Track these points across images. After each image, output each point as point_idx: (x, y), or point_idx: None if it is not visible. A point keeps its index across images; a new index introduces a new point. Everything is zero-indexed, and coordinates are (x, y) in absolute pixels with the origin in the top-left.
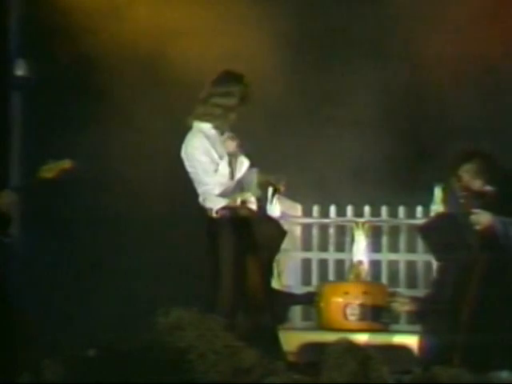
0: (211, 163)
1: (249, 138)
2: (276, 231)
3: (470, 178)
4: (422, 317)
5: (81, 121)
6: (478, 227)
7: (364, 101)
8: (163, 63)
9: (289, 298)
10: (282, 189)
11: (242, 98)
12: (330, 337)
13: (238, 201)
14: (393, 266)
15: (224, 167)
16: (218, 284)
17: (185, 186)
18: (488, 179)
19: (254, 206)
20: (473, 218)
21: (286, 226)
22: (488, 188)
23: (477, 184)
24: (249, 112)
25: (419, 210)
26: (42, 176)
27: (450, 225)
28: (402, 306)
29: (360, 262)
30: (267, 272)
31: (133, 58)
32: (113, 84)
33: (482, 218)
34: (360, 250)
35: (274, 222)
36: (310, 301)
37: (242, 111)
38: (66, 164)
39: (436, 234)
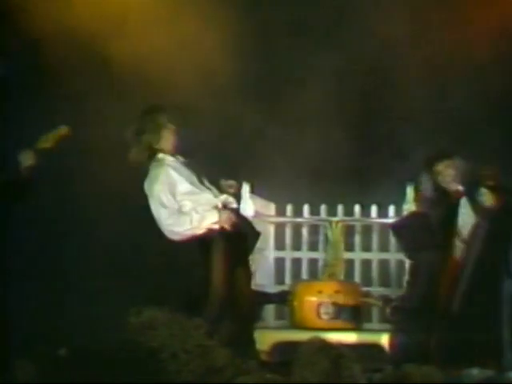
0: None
1: (217, 139)
2: (250, 232)
3: (448, 173)
4: (393, 316)
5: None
6: (488, 204)
7: (334, 99)
8: (114, 51)
9: (262, 297)
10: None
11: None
12: (302, 336)
13: (219, 205)
14: (366, 264)
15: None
16: (208, 292)
17: None
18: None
19: (234, 204)
20: (483, 195)
21: (259, 225)
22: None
23: (453, 182)
24: (214, 112)
25: (391, 208)
26: (40, 146)
27: (422, 224)
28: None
29: (334, 261)
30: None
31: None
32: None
33: (489, 196)
34: (333, 249)
35: (248, 223)
36: (283, 300)
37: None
38: (63, 130)
39: (408, 233)
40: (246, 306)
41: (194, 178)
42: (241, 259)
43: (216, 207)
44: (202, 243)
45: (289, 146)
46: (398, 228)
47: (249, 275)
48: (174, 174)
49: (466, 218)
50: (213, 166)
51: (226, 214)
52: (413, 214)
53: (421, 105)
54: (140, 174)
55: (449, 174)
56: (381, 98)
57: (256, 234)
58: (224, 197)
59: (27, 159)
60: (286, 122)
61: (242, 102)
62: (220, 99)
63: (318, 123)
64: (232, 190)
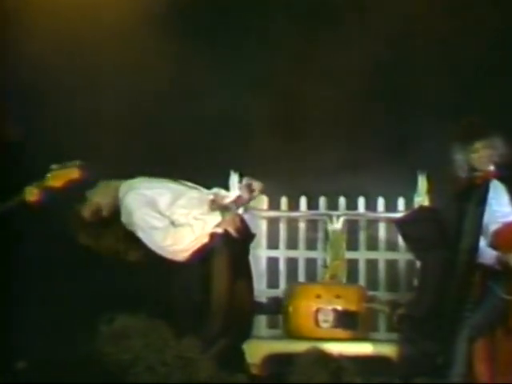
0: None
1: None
2: (245, 233)
3: (486, 153)
4: (400, 324)
5: None
6: None
7: (338, 82)
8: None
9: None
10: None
11: None
12: (298, 346)
13: (211, 197)
14: (371, 265)
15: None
16: (209, 306)
17: None
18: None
19: (228, 198)
20: None
21: (249, 221)
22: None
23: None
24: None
25: (401, 201)
26: (49, 184)
27: (432, 219)
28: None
29: (334, 262)
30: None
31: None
32: None
33: None
34: (334, 247)
35: (242, 223)
36: (276, 310)
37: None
38: (74, 173)
39: (415, 230)
40: (245, 320)
41: (169, 183)
42: (243, 268)
43: (213, 205)
44: (202, 252)
45: (283, 129)
46: (403, 224)
47: (251, 286)
48: (147, 192)
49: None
50: (199, 155)
51: (230, 216)
52: (421, 209)
53: (434, 89)
54: None
55: (486, 155)
56: (388, 82)
57: (250, 236)
58: (215, 190)
59: (31, 195)
60: (280, 103)
61: (232, 85)
62: (211, 84)
63: (322, 107)
64: (253, 193)
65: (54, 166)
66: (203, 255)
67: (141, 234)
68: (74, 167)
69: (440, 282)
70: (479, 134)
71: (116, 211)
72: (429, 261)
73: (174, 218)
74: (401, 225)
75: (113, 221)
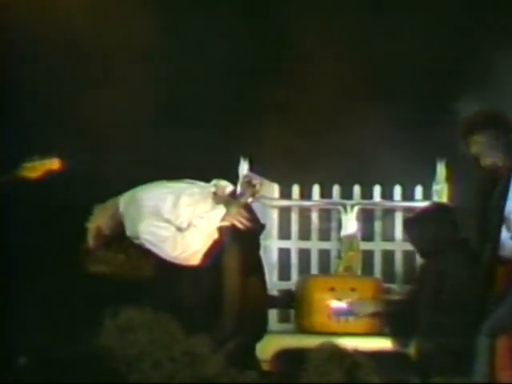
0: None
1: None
2: (253, 224)
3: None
4: (390, 321)
5: None
6: None
7: (353, 67)
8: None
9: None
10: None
11: None
12: (311, 341)
13: (213, 189)
14: (387, 256)
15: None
16: (221, 305)
17: None
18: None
19: (229, 188)
20: None
21: (259, 210)
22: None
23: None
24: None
25: (418, 190)
26: (24, 175)
27: (443, 219)
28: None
29: (349, 253)
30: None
31: None
32: None
33: None
34: (348, 237)
35: (252, 213)
36: (288, 303)
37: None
38: (54, 164)
39: (422, 229)
40: (259, 316)
41: (168, 184)
42: (254, 262)
43: (216, 198)
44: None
45: (294, 115)
46: (410, 223)
47: (264, 280)
48: (149, 202)
49: None
50: (208, 140)
51: (234, 208)
52: (431, 206)
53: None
54: None
55: (482, 148)
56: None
57: (259, 227)
58: (214, 182)
59: (30, 171)
60: (291, 87)
61: (239, 72)
62: (218, 70)
63: (335, 91)
64: (254, 187)
65: (32, 158)
66: (215, 252)
67: (150, 247)
68: (54, 158)
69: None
70: (470, 128)
71: (119, 227)
72: (432, 262)
73: (178, 222)
74: (409, 225)
75: (118, 238)
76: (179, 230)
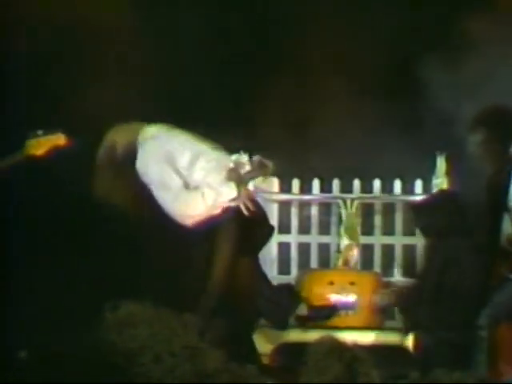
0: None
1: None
2: (264, 225)
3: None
4: (404, 310)
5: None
6: None
7: (352, 61)
8: None
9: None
10: (269, 172)
11: None
12: (311, 335)
13: (231, 165)
14: (387, 250)
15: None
16: (207, 283)
17: None
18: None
19: (247, 167)
20: None
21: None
22: None
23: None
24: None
25: (418, 184)
26: (29, 152)
27: (450, 204)
28: (384, 300)
29: (349, 247)
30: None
31: None
32: None
33: None
34: (348, 232)
35: (262, 212)
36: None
37: None
38: (60, 139)
39: (430, 214)
40: (245, 302)
41: (191, 140)
42: (248, 249)
43: (231, 174)
44: (208, 226)
45: (295, 109)
46: (418, 208)
47: (253, 268)
48: (167, 146)
49: None
50: (207, 135)
51: (246, 191)
52: (439, 193)
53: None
54: None
55: (482, 146)
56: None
57: (270, 229)
58: (236, 156)
59: (35, 148)
60: (291, 82)
61: (238, 62)
62: (216, 66)
63: (335, 84)
64: (266, 168)
65: (36, 133)
66: (210, 227)
67: (153, 189)
68: (59, 133)
69: (446, 268)
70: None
71: (131, 154)
72: (438, 246)
73: (189, 179)
74: (417, 209)
75: (127, 166)
76: (186, 186)
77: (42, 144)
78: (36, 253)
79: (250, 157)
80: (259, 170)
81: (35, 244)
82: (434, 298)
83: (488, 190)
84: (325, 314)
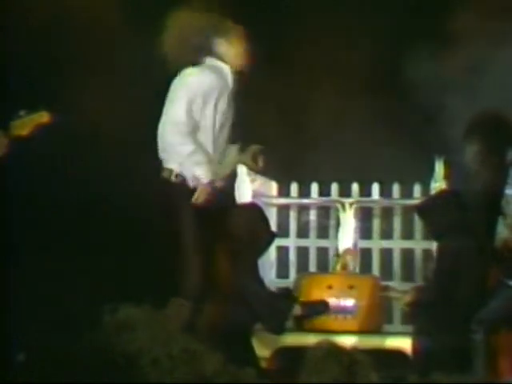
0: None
1: None
2: (265, 232)
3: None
4: (414, 313)
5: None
6: None
7: (347, 62)
8: None
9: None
10: (260, 165)
11: None
12: (310, 339)
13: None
14: (386, 254)
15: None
16: (182, 262)
17: None
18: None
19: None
20: None
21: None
22: None
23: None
24: None
25: (417, 188)
26: (15, 133)
27: (452, 203)
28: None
29: (347, 251)
30: (242, 265)
31: None
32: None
33: None
34: (347, 235)
35: (263, 220)
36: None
37: None
38: (43, 117)
39: (434, 214)
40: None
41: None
42: (249, 254)
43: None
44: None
45: (293, 112)
46: (423, 209)
47: (240, 265)
48: (214, 84)
49: None
50: None
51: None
52: (441, 192)
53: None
54: None
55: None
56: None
57: (270, 235)
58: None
59: (21, 129)
60: (289, 85)
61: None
62: None
63: (334, 87)
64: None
65: (18, 114)
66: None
67: (168, 127)
68: (42, 111)
69: (456, 268)
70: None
71: None
72: (447, 246)
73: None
74: (420, 210)
75: None
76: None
77: (27, 123)
78: (35, 255)
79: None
80: (249, 163)
81: (34, 247)
82: (438, 301)
83: (483, 194)
84: (319, 310)
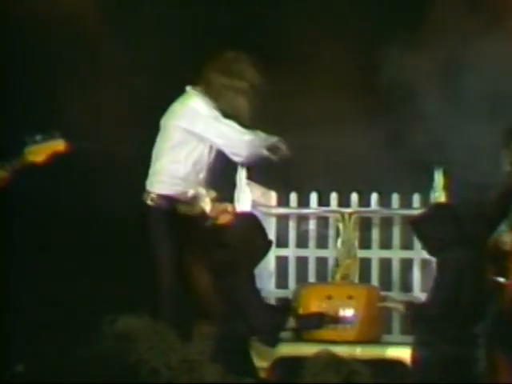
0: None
1: None
2: (261, 239)
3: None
4: (414, 324)
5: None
6: None
7: (347, 72)
8: None
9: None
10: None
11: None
12: (309, 349)
13: (189, 193)
14: (385, 264)
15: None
16: (157, 284)
17: None
18: None
19: (207, 205)
20: None
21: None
22: None
23: None
24: None
25: (416, 198)
26: (29, 159)
27: (447, 216)
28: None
29: (346, 261)
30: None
31: None
32: None
33: None
34: (346, 245)
35: (260, 227)
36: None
37: None
38: (60, 145)
39: (429, 228)
40: (212, 310)
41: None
42: (246, 263)
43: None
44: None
45: (292, 121)
46: (418, 224)
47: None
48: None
49: None
50: None
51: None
52: (437, 206)
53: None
54: None
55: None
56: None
57: (267, 243)
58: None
59: (35, 155)
60: (288, 94)
61: None
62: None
63: (333, 96)
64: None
65: (34, 139)
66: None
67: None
68: (58, 138)
69: (456, 281)
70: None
71: None
72: (445, 259)
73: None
74: (416, 224)
75: None
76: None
77: (42, 151)
78: (34, 265)
79: (249, 171)
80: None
81: (33, 256)
82: (439, 312)
83: (495, 202)
84: (312, 324)
